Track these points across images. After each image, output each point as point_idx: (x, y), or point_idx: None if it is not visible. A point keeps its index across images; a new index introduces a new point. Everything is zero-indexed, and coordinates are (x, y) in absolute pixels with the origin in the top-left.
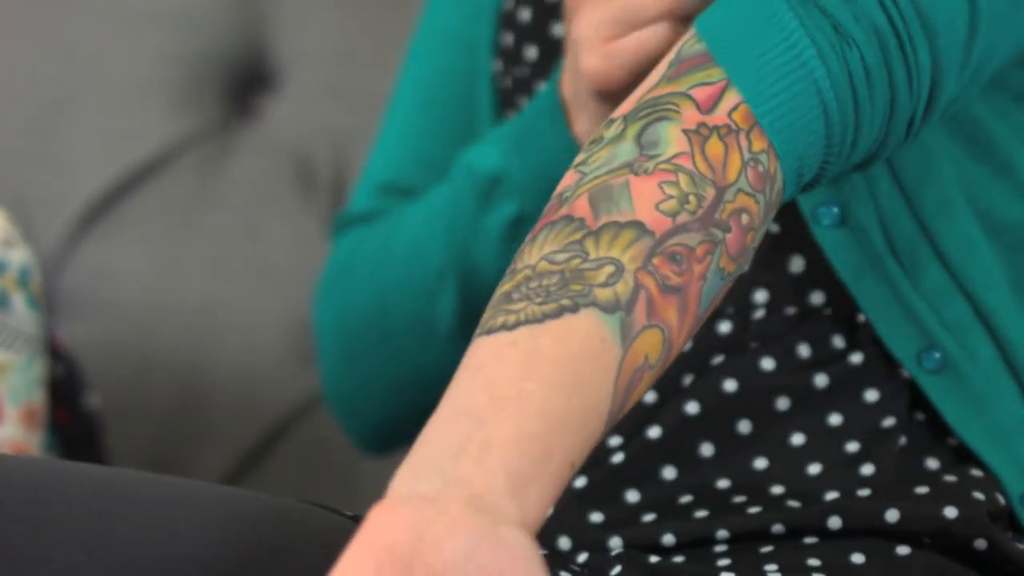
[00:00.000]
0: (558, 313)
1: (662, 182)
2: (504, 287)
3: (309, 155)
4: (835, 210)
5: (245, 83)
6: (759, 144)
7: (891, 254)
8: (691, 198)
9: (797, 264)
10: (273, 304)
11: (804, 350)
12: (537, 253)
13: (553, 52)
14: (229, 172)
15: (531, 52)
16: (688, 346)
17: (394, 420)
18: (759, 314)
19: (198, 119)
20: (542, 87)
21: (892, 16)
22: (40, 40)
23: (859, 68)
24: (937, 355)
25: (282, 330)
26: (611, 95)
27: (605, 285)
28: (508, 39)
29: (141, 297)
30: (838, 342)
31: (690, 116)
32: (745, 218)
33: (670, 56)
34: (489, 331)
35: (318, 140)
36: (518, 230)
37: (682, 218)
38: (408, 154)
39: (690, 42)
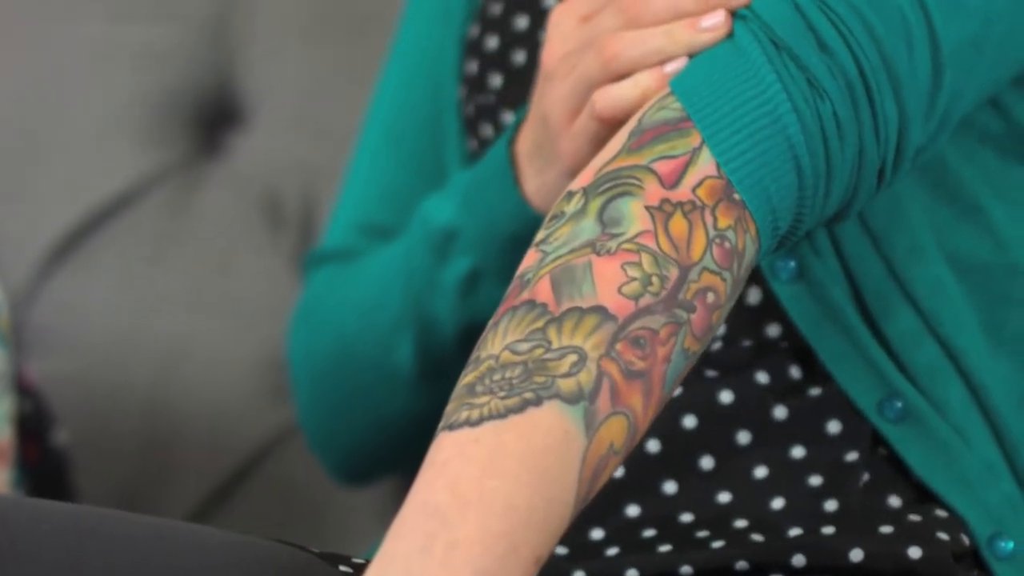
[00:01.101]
0: (521, 407)
1: (625, 263)
2: (467, 378)
3: (278, 190)
4: (791, 264)
5: (213, 118)
6: (725, 220)
7: (852, 304)
8: (654, 279)
9: (754, 296)
10: (242, 339)
11: (762, 382)
12: (500, 342)
13: (518, 80)
14: (198, 207)
15: (496, 80)
16: None
17: (364, 454)
18: (716, 346)
19: (167, 154)
20: (507, 116)
21: (863, 67)
22: (8, 75)
23: (831, 121)
24: (899, 404)
25: (251, 366)
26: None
27: (568, 375)
28: (472, 67)
29: (109, 333)
30: (796, 373)
31: (653, 191)
32: (711, 297)
33: (631, 125)
34: (452, 426)
35: (287, 175)
36: (473, 285)
37: (645, 300)
38: (377, 190)
39: (652, 110)
